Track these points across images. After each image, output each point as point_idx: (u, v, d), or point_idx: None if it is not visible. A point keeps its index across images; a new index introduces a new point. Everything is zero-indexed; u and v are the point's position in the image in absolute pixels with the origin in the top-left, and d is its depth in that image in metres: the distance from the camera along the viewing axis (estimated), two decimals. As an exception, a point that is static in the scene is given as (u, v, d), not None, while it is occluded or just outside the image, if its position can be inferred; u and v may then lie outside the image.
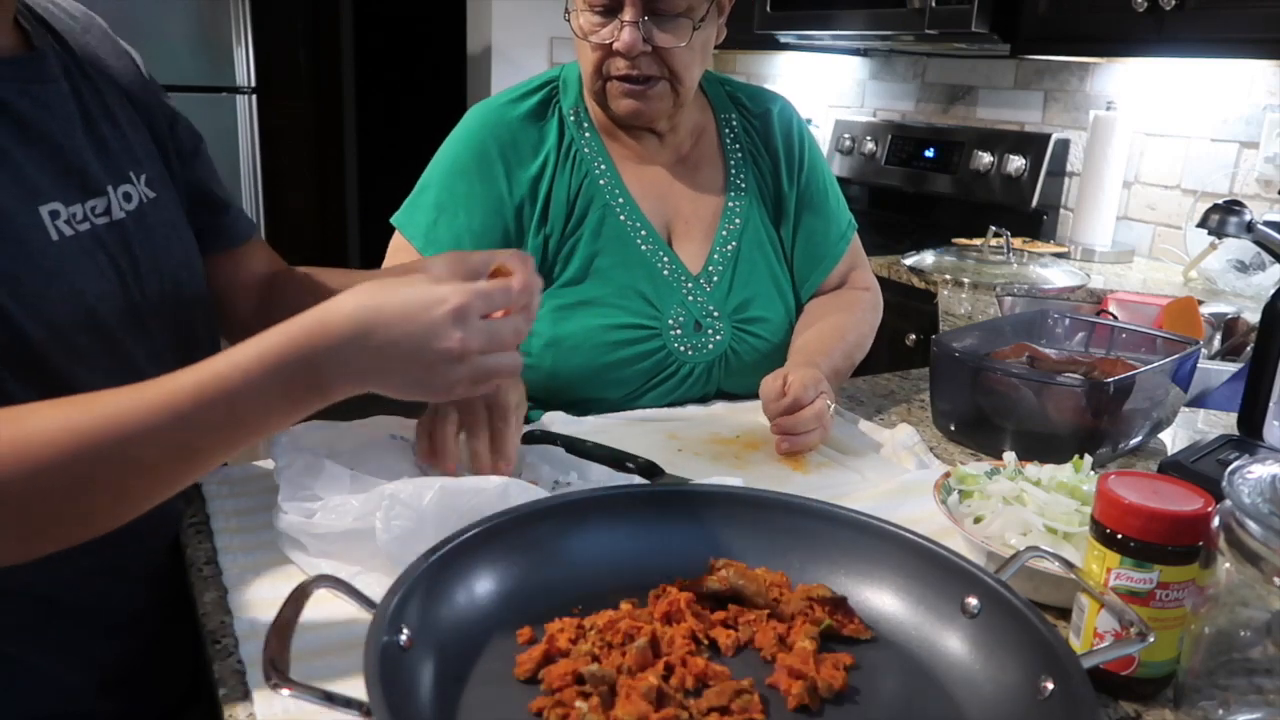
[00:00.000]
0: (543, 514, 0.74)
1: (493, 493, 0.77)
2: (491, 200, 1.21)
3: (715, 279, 1.26)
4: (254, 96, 2.61)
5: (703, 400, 1.25)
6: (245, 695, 0.65)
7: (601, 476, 0.92)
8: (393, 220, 1.25)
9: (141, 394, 0.61)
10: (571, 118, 1.25)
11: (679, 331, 1.22)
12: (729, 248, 1.28)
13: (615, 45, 1.15)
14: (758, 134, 1.34)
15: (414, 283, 0.67)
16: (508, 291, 0.71)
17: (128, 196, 0.83)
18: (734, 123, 1.34)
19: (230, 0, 2.52)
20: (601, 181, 1.24)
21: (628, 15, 1.13)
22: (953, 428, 1.14)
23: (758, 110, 1.34)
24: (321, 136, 5.70)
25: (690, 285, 1.25)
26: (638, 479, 0.93)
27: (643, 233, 1.24)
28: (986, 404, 1.10)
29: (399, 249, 1.25)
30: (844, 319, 1.29)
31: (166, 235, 0.86)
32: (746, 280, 1.27)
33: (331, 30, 5.57)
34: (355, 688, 0.54)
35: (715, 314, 1.25)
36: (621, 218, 1.24)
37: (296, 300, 0.97)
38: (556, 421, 1.12)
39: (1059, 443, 1.01)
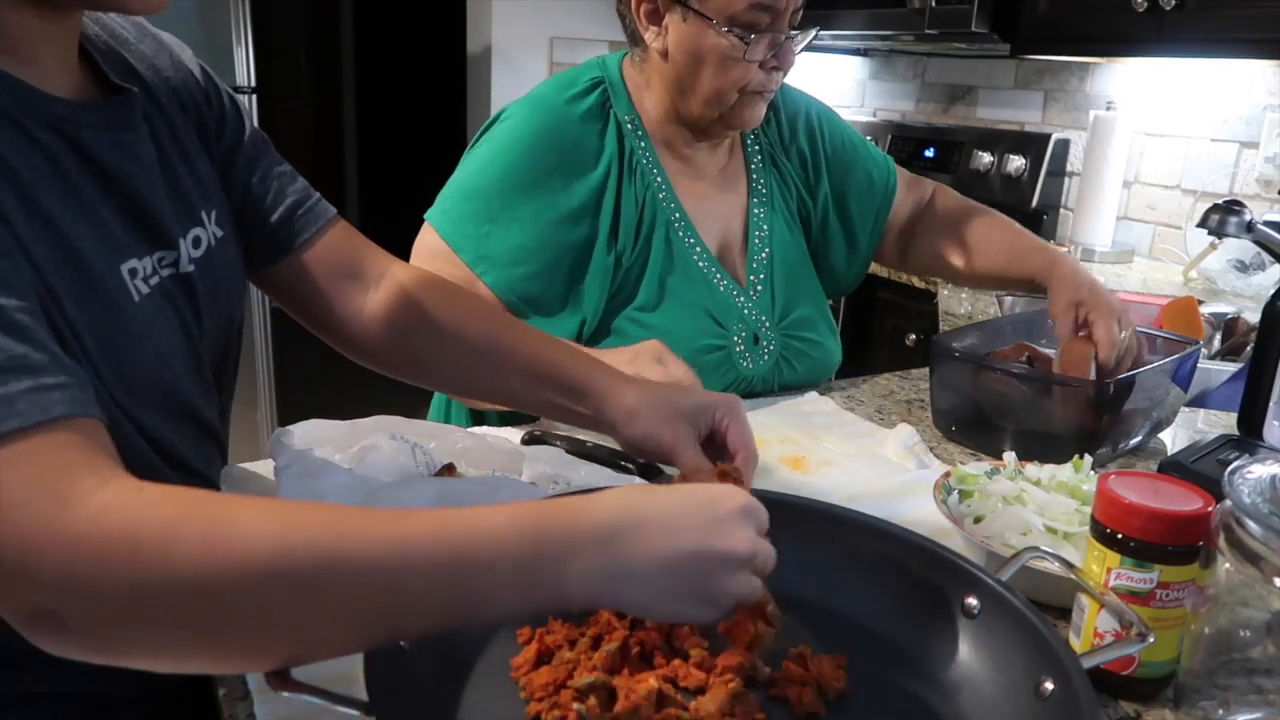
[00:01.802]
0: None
1: (491, 492, 0.77)
2: (549, 216, 1.15)
3: (759, 289, 1.26)
4: (254, 96, 2.61)
5: None
6: (245, 695, 0.65)
7: (601, 477, 0.92)
8: (432, 220, 1.17)
9: (370, 519, 0.52)
10: (628, 125, 1.21)
11: (742, 348, 1.22)
12: (763, 255, 1.28)
13: (780, 64, 1.16)
14: (774, 126, 1.34)
15: (679, 488, 0.59)
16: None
17: (197, 242, 0.79)
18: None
19: (230, 0, 2.51)
20: (660, 195, 1.22)
21: (784, 31, 1.15)
22: (953, 428, 1.14)
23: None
24: (321, 136, 5.70)
25: (743, 299, 1.24)
26: (637, 479, 0.93)
27: (697, 249, 1.23)
28: (986, 404, 1.10)
29: (439, 253, 1.15)
30: (994, 220, 1.36)
31: (228, 277, 0.83)
32: (784, 286, 1.28)
33: (331, 30, 5.58)
34: (355, 688, 0.54)
35: (767, 324, 1.25)
36: (681, 234, 1.22)
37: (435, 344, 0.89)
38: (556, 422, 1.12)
39: (1059, 443, 1.01)
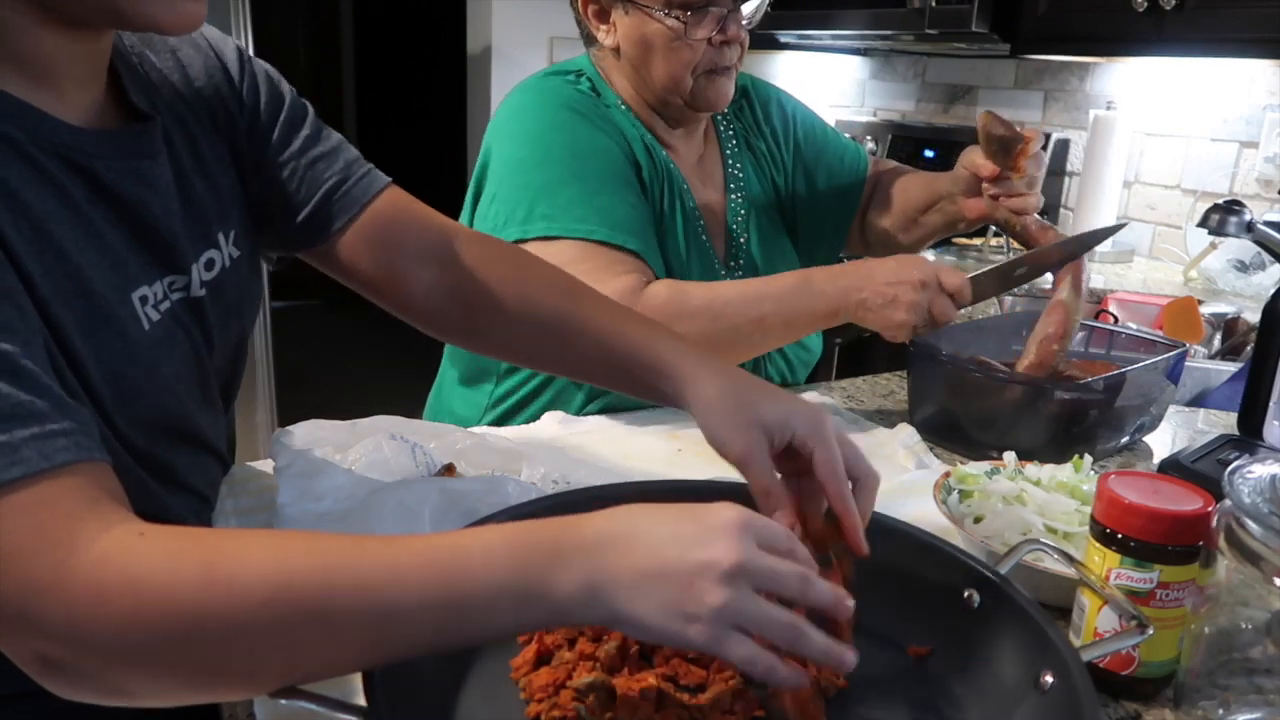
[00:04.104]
0: (541, 513, 0.73)
1: (491, 492, 0.77)
2: (624, 169, 1.16)
3: (740, 274, 1.29)
4: (254, 96, 2.61)
5: None
6: (245, 695, 0.65)
7: (601, 477, 0.92)
8: (535, 235, 1.10)
9: (363, 548, 0.53)
10: (621, 107, 1.23)
11: None
12: (742, 240, 1.30)
13: (727, 37, 1.15)
14: (748, 111, 1.36)
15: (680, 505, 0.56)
16: (792, 537, 0.57)
17: (210, 264, 0.77)
18: (726, 110, 1.34)
19: (230, 0, 2.51)
20: (671, 166, 1.23)
21: (726, 5, 1.14)
22: (930, 433, 1.13)
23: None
24: (321, 136, 5.69)
25: (731, 278, 1.27)
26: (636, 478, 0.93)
27: (701, 222, 1.25)
28: (958, 410, 1.09)
29: (575, 259, 1.05)
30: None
31: (240, 298, 0.83)
32: (764, 265, 1.31)
33: (331, 30, 5.57)
34: (354, 688, 0.54)
35: None
36: (689, 205, 1.24)
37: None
38: (556, 422, 1.12)
39: (1026, 451, 0.97)
